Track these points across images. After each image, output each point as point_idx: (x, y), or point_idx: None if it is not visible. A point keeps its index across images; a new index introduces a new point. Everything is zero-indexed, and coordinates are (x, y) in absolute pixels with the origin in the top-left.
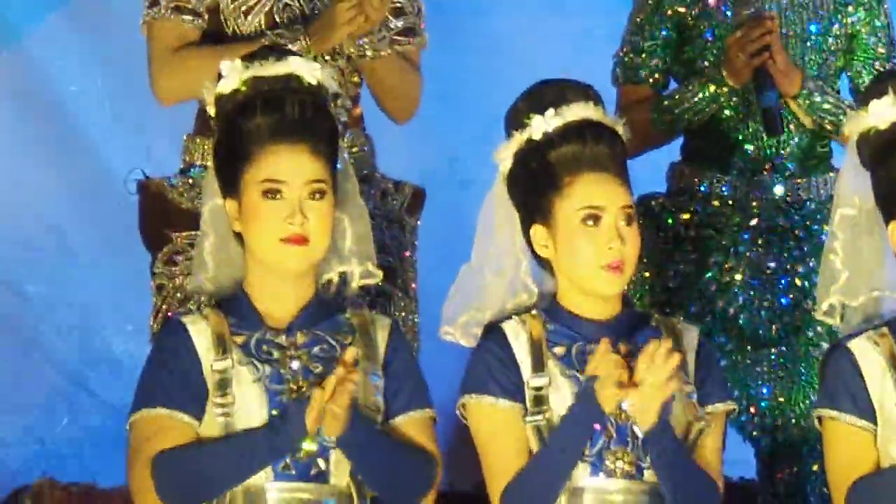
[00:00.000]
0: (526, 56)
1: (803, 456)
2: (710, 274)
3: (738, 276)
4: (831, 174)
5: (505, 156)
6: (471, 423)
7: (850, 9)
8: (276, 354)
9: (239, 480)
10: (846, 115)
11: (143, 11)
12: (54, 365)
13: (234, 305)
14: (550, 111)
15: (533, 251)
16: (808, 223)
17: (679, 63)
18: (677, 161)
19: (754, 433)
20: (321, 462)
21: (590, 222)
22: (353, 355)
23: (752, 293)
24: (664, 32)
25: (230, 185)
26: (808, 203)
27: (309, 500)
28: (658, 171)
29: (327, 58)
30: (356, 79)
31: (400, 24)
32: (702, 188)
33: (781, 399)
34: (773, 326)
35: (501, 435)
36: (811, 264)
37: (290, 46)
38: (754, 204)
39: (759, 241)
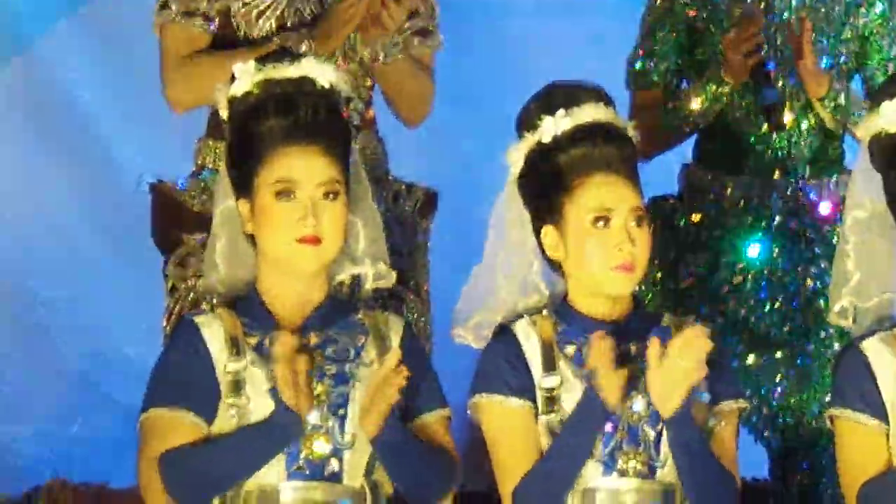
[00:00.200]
0: (539, 59)
1: (816, 456)
2: (721, 275)
3: (749, 278)
4: (843, 176)
5: (516, 157)
6: (481, 422)
7: (863, 10)
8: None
9: (245, 473)
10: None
11: (154, 15)
12: (67, 366)
13: (247, 306)
14: (561, 113)
15: (543, 252)
16: (819, 225)
17: (691, 65)
18: (689, 163)
19: (767, 433)
20: (334, 462)
21: (600, 224)
22: (398, 356)
23: (763, 295)
24: (675, 35)
25: (243, 187)
26: (819, 204)
27: (323, 500)
28: (670, 174)
29: (339, 61)
30: (368, 82)
31: (414, 25)
32: (713, 190)
33: (793, 400)
34: (785, 328)
35: (511, 434)
36: (823, 266)
37: (296, 49)
38: (766, 205)
39: (771, 243)
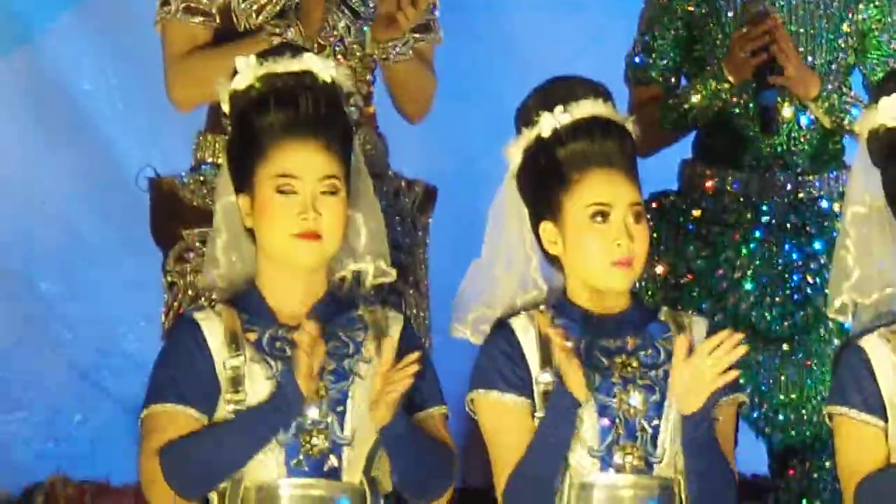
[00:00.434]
0: (540, 54)
1: (815, 452)
2: (721, 271)
3: (749, 273)
4: (843, 171)
5: (514, 152)
6: (479, 417)
7: (861, 6)
8: (288, 351)
9: (244, 457)
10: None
11: (157, 11)
12: (67, 362)
13: (247, 301)
14: (559, 108)
15: (542, 248)
16: (819, 220)
17: (690, 61)
18: (689, 159)
19: (766, 430)
20: (333, 459)
21: (598, 219)
22: (394, 345)
23: (763, 290)
24: (674, 31)
25: (243, 181)
26: (819, 200)
27: (322, 496)
28: (670, 169)
29: (339, 57)
30: (368, 77)
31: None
32: (713, 185)
33: (793, 396)
34: (785, 323)
35: (508, 429)
36: (822, 261)
37: (287, 35)
38: (765, 201)
39: (771, 238)
